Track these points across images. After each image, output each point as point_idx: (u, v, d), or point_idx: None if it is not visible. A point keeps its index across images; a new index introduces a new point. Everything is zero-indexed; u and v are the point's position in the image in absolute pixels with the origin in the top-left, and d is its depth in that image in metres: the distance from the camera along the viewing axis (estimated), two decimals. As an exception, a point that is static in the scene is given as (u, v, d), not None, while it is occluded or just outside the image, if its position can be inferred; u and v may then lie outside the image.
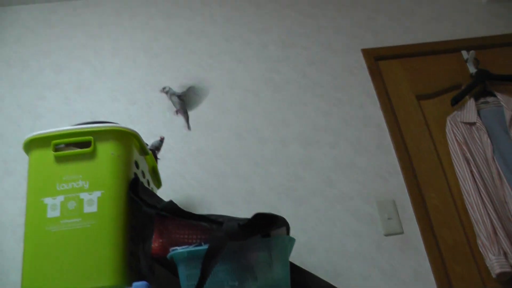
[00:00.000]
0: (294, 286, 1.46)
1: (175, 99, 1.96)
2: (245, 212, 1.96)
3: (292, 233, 1.84)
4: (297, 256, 1.84)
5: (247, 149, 2.16)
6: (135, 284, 1.19)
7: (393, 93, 2.35)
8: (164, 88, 1.98)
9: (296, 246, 1.86)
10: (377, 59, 2.45)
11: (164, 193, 1.97)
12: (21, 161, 2.11)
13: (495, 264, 1.85)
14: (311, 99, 2.31)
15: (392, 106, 2.31)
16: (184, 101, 1.96)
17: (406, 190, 2.08)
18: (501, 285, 1.91)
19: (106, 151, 1.37)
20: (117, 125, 1.43)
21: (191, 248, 1.24)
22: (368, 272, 1.89)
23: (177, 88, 1.97)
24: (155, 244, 1.32)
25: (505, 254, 1.86)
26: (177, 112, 1.97)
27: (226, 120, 2.24)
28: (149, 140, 2.08)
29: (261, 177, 2.09)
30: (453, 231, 2.03)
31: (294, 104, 2.29)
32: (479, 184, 2.02)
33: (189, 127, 2.04)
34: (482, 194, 1.99)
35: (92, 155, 1.37)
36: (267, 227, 1.28)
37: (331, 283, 1.66)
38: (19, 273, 1.28)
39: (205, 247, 1.20)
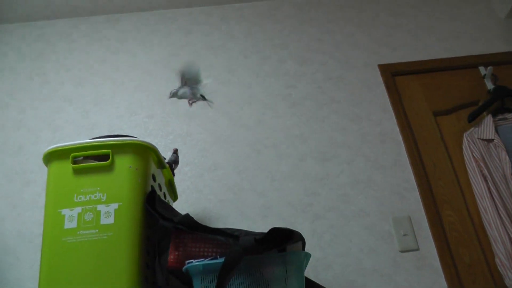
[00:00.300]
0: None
1: (185, 89, 1.91)
2: (261, 226, 1.97)
3: (307, 249, 1.84)
4: (312, 272, 1.84)
5: (264, 164, 2.17)
6: (151, 296, 1.20)
7: (410, 109, 2.35)
8: (170, 93, 1.91)
9: (312, 262, 1.87)
10: (394, 75, 2.45)
11: (181, 207, 1.99)
12: (40, 172, 2.15)
13: (512, 282, 1.82)
14: (328, 114, 2.32)
15: (409, 122, 2.30)
16: (191, 85, 1.92)
17: (422, 207, 2.06)
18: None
19: (124, 164, 1.39)
20: (136, 139, 1.44)
21: (207, 261, 1.24)
22: (385, 289, 1.87)
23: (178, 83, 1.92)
24: (171, 256, 1.33)
25: (525, 273, 1.83)
26: (191, 102, 1.90)
27: (244, 135, 2.25)
28: (166, 154, 2.11)
29: (277, 192, 2.09)
30: (470, 249, 2.00)
31: (311, 120, 2.30)
32: (497, 201, 1.99)
33: (209, 103, 1.95)
34: (500, 212, 1.96)
35: (110, 168, 1.38)
36: (283, 242, 1.28)
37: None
38: (36, 282, 1.30)
39: (221, 260, 1.20)
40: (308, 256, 1.35)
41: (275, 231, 1.25)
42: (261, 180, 2.12)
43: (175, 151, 1.86)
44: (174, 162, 1.84)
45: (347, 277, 1.88)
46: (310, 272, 1.82)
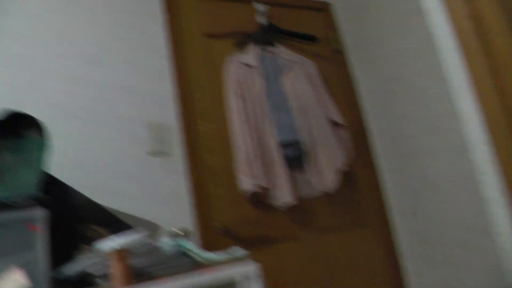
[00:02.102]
0: (55, 199, 1.44)
1: None
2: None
3: (61, 149, 1.79)
4: (61, 171, 1.77)
5: (22, 58, 1.97)
6: None
7: (185, 27, 2.37)
8: None
9: (62, 162, 1.79)
10: (175, -8, 2.44)
11: None
12: None
13: (247, 184, 2.10)
14: (101, 18, 2.19)
15: (181, 38, 2.34)
16: None
17: (178, 116, 2.17)
18: (251, 205, 2.20)
19: None
20: None
21: None
22: (131, 190, 1.95)
23: None
24: None
25: (256, 177, 2.12)
26: None
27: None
28: None
29: (35, 89, 1.94)
30: (219, 157, 2.21)
31: (82, 21, 2.15)
32: (247, 117, 2.23)
33: None
34: (248, 126, 2.21)
35: None
36: (19, 127, 1.23)
37: (93, 199, 1.68)
38: None
39: None
40: (45, 144, 1.30)
41: (13, 116, 1.19)
42: (17, 75, 1.93)
43: None
44: None
45: (97, 179, 1.89)
46: (59, 171, 1.75)
